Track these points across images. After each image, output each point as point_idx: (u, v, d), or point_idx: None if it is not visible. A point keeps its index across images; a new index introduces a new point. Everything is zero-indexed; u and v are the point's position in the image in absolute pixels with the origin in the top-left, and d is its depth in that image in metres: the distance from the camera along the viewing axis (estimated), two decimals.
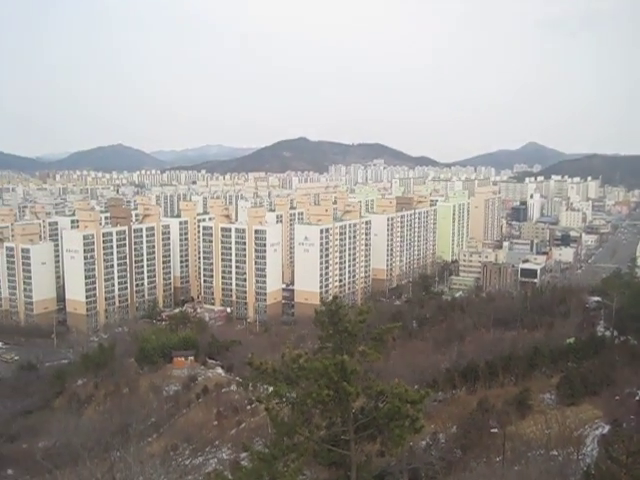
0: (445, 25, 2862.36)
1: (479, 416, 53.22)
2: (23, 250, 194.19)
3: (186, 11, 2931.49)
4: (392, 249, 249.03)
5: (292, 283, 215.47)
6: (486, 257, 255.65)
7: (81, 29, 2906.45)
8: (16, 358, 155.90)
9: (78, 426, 62.97)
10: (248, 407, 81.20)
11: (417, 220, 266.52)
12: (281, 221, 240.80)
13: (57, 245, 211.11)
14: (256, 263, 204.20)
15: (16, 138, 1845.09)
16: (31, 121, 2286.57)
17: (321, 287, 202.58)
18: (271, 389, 26.02)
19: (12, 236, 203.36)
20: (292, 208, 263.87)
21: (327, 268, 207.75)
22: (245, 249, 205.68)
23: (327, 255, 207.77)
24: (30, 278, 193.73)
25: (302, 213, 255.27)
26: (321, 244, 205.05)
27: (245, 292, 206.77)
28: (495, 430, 48.17)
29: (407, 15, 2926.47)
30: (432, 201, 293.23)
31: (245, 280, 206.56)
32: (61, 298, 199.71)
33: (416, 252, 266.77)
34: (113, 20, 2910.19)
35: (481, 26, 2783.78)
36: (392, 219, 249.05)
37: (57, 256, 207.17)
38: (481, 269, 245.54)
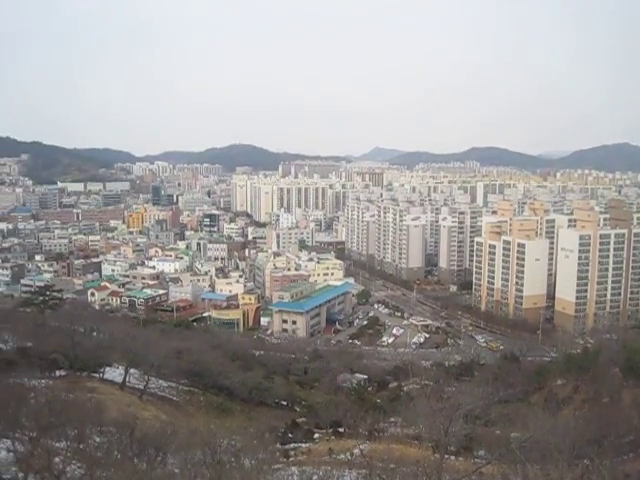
0: None
1: None
2: (519, 245, 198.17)
3: None
4: None
5: None
6: None
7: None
8: (501, 347, 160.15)
9: (554, 425, 59.76)
10: None
11: None
12: None
13: (552, 243, 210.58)
14: None
15: (519, 136, 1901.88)
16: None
17: None
18: None
19: (510, 230, 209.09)
20: None
21: None
22: None
23: None
24: (523, 273, 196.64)
25: None
26: None
27: None
28: None
29: None
30: None
31: None
32: (550, 296, 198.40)
33: None
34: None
35: None
36: None
37: (551, 254, 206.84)
38: None
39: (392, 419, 79.56)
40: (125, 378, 70.62)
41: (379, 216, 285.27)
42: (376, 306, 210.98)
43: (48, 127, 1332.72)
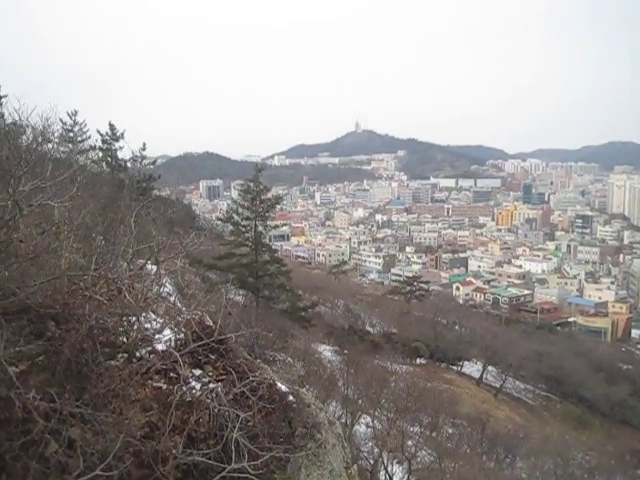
0: None
1: None
2: None
3: None
4: None
5: None
6: None
7: None
8: None
9: None
10: None
11: None
12: None
13: None
14: None
15: None
16: None
17: None
18: None
19: None
20: None
21: None
22: None
23: None
24: None
25: None
26: None
27: None
28: None
29: None
30: None
31: None
32: None
33: None
34: None
35: None
36: None
37: None
38: None
39: None
40: (482, 374, 71.09)
41: None
42: None
43: (423, 125, 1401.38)
